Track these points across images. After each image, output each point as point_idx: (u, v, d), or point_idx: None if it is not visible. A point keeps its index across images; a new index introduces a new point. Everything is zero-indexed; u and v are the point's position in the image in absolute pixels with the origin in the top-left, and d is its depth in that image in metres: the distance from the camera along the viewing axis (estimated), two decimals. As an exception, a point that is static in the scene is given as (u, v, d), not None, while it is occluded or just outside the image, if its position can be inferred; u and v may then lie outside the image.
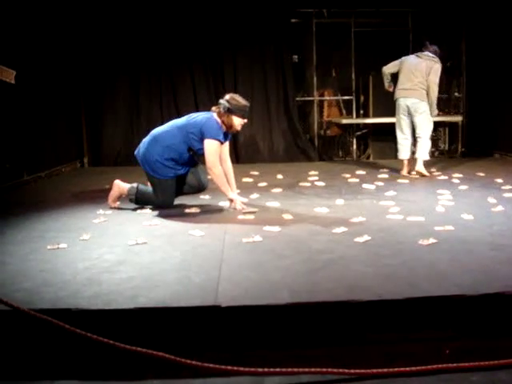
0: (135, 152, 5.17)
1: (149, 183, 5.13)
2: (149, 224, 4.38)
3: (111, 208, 5.06)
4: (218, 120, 4.88)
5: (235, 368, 2.38)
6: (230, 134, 5.09)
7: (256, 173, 7.06)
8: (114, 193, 5.14)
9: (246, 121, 5.04)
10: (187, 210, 4.90)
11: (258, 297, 2.75)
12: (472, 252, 3.47)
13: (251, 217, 4.62)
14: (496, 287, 2.81)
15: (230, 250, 3.61)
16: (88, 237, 3.98)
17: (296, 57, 9.45)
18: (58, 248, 3.71)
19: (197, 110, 8.47)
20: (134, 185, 5.11)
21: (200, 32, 8.73)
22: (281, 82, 9.06)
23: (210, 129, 4.82)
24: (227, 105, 4.84)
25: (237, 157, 8.69)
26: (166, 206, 5.00)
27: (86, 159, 8.84)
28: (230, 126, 4.91)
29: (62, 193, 6.04)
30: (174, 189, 5.05)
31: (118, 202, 5.13)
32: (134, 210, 4.96)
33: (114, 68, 8.63)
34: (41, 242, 3.88)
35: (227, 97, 4.93)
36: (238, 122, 4.92)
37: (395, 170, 7.30)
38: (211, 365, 2.39)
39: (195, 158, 5.05)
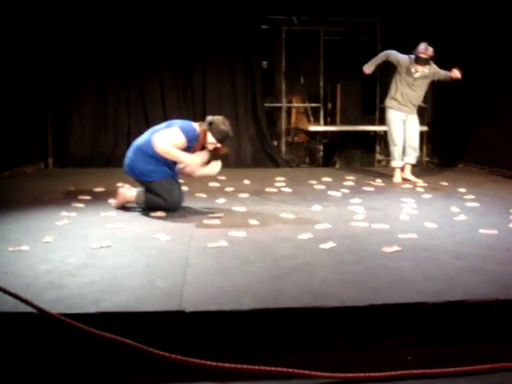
0: (124, 170, 5.12)
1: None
2: (113, 227, 4.33)
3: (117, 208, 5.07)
4: (198, 130, 4.88)
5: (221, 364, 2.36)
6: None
7: (223, 178, 7.04)
8: (119, 201, 5.11)
9: (218, 145, 4.98)
10: (153, 214, 4.86)
11: (222, 302, 2.74)
12: (435, 260, 3.52)
13: (217, 222, 4.60)
14: (458, 295, 2.86)
15: (196, 255, 3.59)
16: (51, 239, 3.91)
17: (265, 63, 9.47)
18: (20, 250, 3.64)
19: (165, 113, 8.50)
20: (141, 192, 5.03)
21: (170, 35, 8.69)
22: (249, 87, 9.07)
23: (185, 126, 4.86)
24: (210, 120, 4.88)
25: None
26: (176, 207, 4.96)
27: (51, 160, 8.70)
28: (202, 141, 4.90)
29: (25, 194, 5.93)
30: (176, 186, 5.01)
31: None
32: (99, 212, 4.90)
33: (81, 68, 8.52)
34: (2, 243, 3.80)
35: (218, 116, 4.97)
36: (210, 139, 4.90)
37: (361, 178, 7.37)
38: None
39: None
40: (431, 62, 6.94)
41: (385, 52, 7.25)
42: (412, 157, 7.14)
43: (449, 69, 6.92)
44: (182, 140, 4.81)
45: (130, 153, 5.04)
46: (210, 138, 4.90)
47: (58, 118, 8.64)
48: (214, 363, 2.41)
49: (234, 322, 2.67)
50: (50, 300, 2.73)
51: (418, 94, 7.05)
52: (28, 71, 8.00)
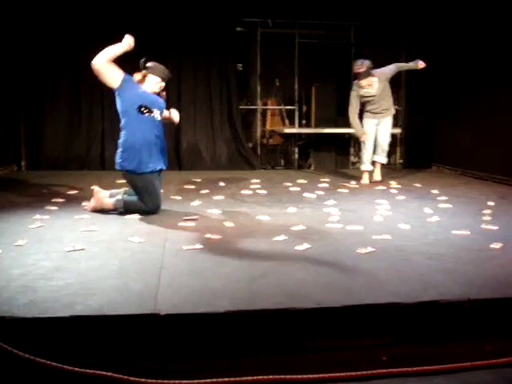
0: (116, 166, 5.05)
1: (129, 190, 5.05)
2: (87, 230, 4.30)
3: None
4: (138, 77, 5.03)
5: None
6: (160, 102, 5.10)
7: (198, 180, 7.04)
8: (96, 206, 5.04)
9: (163, 84, 5.12)
10: (127, 217, 4.83)
11: (197, 304, 2.74)
12: (408, 261, 3.56)
13: (192, 224, 4.59)
14: (431, 295, 2.89)
15: (170, 258, 3.58)
16: (23, 242, 3.87)
17: (240, 65, 9.47)
18: (-8, 254, 3.59)
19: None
20: (119, 198, 4.99)
21: (144, 38, 8.60)
22: (225, 90, 9.06)
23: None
24: (144, 65, 5.07)
25: (179, 164, 8.64)
26: (155, 210, 4.95)
27: (24, 162, 8.59)
28: (142, 81, 5.03)
29: (-3, 197, 5.86)
30: (159, 190, 5.00)
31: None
32: (73, 215, 4.85)
33: (54, 70, 8.42)
34: (-27, 247, 3.75)
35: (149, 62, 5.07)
36: (155, 80, 5.04)
37: (336, 180, 7.42)
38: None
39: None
40: (373, 72, 6.99)
41: (351, 101, 7.17)
42: (380, 156, 7.22)
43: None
44: (116, 72, 5.09)
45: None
46: (154, 79, 5.05)
47: (31, 120, 8.53)
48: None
49: (210, 324, 2.67)
50: (24, 304, 2.70)
51: (383, 100, 7.11)
52: (1, 74, 7.89)
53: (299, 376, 2.43)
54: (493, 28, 7.26)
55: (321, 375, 2.41)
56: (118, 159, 4.92)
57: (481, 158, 7.63)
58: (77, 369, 2.38)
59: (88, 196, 5.63)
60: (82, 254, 3.64)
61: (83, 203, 5.34)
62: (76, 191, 6.14)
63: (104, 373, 2.37)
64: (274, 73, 9.60)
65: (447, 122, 8.41)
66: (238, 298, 2.82)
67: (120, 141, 4.94)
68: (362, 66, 6.93)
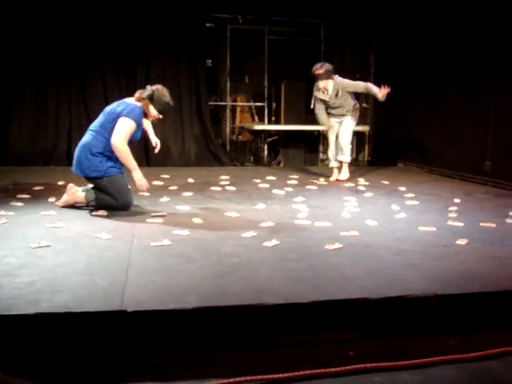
0: (73, 169, 4.98)
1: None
2: (53, 226, 4.23)
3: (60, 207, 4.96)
4: (139, 104, 4.86)
5: None
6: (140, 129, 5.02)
7: (167, 176, 6.99)
8: (68, 200, 4.99)
9: (160, 117, 5.05)
10: (94, 213, 4.77)
11: (165, 301, 2.72)
12: (375, 256, 3.59)
13: (160, 220, 4.56)
14: (397, 291, 2.92)
15: (138, 254, 3.55)
16: (-13, 239, 3.80)
17: (210, 61, 9.46)
18: (-46, 250, 3.52)
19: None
20: (91, 190, 4.93)
21: (113, 33, 8.55)
22: (194, 86, 9.03)
23: (129, 110, 4.79)
24: (151, 92, 4.87)
25: (147, 160, 8.57)
26: (127, 206, 4.89)
27: (-12, 158, 8.44)
28: (144, 114, 4.92)
29: (-39, 193, 5.74)
30: (126, 184, 4.94)
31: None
32: (39, 211, 4.78)
33: (20, 65, 8.29)
34: None
35: (157, 86, 4.97)
36: (153, 112, 4.94)
37: (304, 177, 7.45)
38: None
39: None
40: (333, 77, 7.00)
41: (314, 98, 7.22)
42: (341, 155, 7.13)
43: (381, 85, 6.89)
44: (133, 128, 4.80)
45: (77, 152, 4.94)
46: (153, 111, 4.94)
47: (-3, 115, 8.39)
48: None
49: (177, 320, 2.65)
50: (-13, 301, 2.65)
51: (339, 106, 7.08)
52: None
53: (268, 376, 2.43)
54: (460, 28, 7.36)
55: (289, 374, 2.41)
56: (84, 164, 4.86)
57: (447, 156, 7.74)
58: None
59: (54, 192, 5.57)
60: (47, 250, 3.59)
61: (49, 199, 5.27)
62: (42, 187, 6.05)
63: None
64: (244, 69, 9.63)
65: (414, 120, 8.51)
66: (206, 295, 2.81)
67: (93, 163, 4.83)
68: (320, 68, 6.95)
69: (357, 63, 9.91)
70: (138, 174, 4.84)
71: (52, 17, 8.28)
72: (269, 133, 9.67)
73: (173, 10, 8.74)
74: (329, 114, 7.16)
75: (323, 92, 7.01)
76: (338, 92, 6.95)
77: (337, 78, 7.03)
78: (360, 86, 7.08)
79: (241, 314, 2.71)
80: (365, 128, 9.65)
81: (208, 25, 9.21)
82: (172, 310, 2.64)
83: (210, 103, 9.36)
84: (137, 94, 4.96)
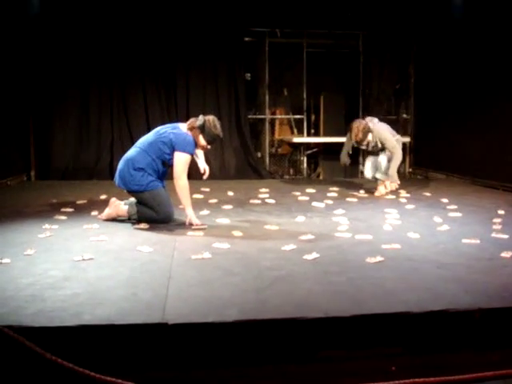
0: (115, 182, 5.09)
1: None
2: (96, 239, 4.30)
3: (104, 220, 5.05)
4: (190, 133, 4.92)
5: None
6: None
7: (207, 189, 7.03)
8: (111, 213, 5.09)
9: (209, 147, 5.14)
10: (136, 226, 4.83)
11: (205, 314, 2.73)
12: (418, 270, 3.53)
13: (200, 233, 4.59)
14: (441, 305, 2.86)
15: (179, 267, 3.57)
16: (32, 252, 3.87)
17: (249, 75, 9.50)
18: (1, 263, 3.59)
19: (148, 125, 8.47)
20: (133, 204, 5.02)
21: (153, 47, 8.70)
22: (233, 99, 9.09)
23: (182, 142, 4.87)
24: (203, 123, 4.92)
25: (188, 173, 8.61)
26: (168, 219, 4.95)
27: (33, 172, 8.63)
28: (195, 143, 4.98)
29: (7, 207, 5.87)
30: (168, 197, 5.01)
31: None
32: (82, 224, 4.86)
33: (64, 80, 8.49)
34: (-17, 257, 3.75)
35: (210, 117, 5.03)
36: (201, 142, 5.00)
37: (344, 189, 7.40)
38: None
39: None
40: (372, 128, 6.79)
41: (342, 153, 7.16)
42: (379, 173, 6.99)
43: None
44: (190, 160, 4.94)
45: (120, 165, 5.03)
46: (202, 141, 4.99)
47: (41, 130, 8.59)
48: None
49: (218, 333, 2.65)
50: (32, 313, 2.70)
51: (378, 148, 6.96)
52: (10, 84, 7.95)
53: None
54: (502, 35, 7.24)
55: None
56: (127, 178, 4.95)
57: (490, 167, 7.58)
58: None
59: (97, 205, 5.66)
60: (90, 263, 3.64)
61: (92, 213, 5.36)
62: (85, 201, 6.16)
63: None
64: (282, 82, 9.65)
65: (456, 131, 8.38)
66: (247, 308, 2.81)
67: (136, 177, 4.91)
68: (358, 132, 6.67)
69: (396, 74, 9.84)
70: (191, 212, 4.91)
71: (94, 32, 8.47)
72: (308, 145, 9.66)
73: (212, 24, 8.84)
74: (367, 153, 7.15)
75: (360, 145, 6.93)
76: (376, 140, 6.85)
77: (374, 126, 6.82)
78: (392, 150, 6.78)
79: (281, 328, 2.70)
80: (405, 139, 9.54)
81: (247, 39, 9.28)
82: (212, 323, 2.64)
83: (249, 116, 9.40)
84: (189, 122, 5.04)
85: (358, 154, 9.70)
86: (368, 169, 7.12)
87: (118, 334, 2.60)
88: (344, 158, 7.14)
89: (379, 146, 6.87)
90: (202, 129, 4.94)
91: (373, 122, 6.89)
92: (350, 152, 7.12)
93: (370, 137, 6.81)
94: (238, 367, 2.61)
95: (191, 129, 4.96)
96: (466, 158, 8.17)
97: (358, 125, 6.78)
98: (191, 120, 5.06)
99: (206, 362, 2.63)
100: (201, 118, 4.99)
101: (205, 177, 5.39)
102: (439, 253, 3.97)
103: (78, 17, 8.40)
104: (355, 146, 6.98)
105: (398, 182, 6.87)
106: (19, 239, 4.30)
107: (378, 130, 6.87)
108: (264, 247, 4.14)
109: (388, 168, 6.82)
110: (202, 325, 2.65)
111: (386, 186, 7.01)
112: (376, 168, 7.02)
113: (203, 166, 5.37)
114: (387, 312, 2.79)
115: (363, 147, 6.99)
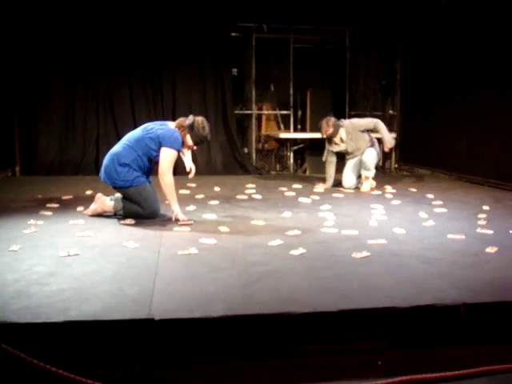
0: (101, 177, 5.05)
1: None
2: (82, 235, 4.28)
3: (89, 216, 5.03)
4: (178, 131, 4.92)
5: None
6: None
7: (193, 185, 7.02)
8: (97, 208, 5.07)
9: (195, 148, 5.16)
10: (122, 222, 4.82)
11: (192, 309, 2.72)
12: (403, 265, 3.55)
13: (187, 229, 4.58)
14: (427, 299, 2.88)
15: (165, 263, 3.57)
16: (17, 248, 3.84)
17: (235, 70, 9.49)
18: (-14, 259, 3.57)
19: (134, 120, 8.45)
20: (119, 200, 4.99)
21: (139, 42, 8.66)
22: (219, 95, 9.08)
23: (169, 138, 4.86)
24: (192, 122, 4.93)
25: (174, 169, 8.58)
26: (154, 215, 4.94)
27: (18, 168, 8.57)
28: (182, 142, 4.97)
29: (-9, 202, 5.83)
30: (154, 192, 5.00)
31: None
32: (67, 220, 4.83)
33: (49, 75, 8.44)
34: (-33, 252, 3.72)
35: (199, 118, 5.04)
36: (189, 142, 5.01)
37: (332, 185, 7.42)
38: None
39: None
40: (342, 124, 6.95)
41: (326, 158, 7.19)
42: (365, 170, 7.04)
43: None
44: (176, 156, 4.92)
45: (106, 161, 5.00)
46: (189, 141, 5.00)
47: (26, 125, 8.52)
48: None
49: (204, 329, 2.65)
50: (18, 309, 2.68)
51: (357, 151, 7.05)
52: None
53: None
54: (487, 35, 7.29)
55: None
56: (112, 173, 4.92)
57: (476, 163, 7.64)
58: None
59: (83, 201, 5.63)
60: (76, 259, 3.62)
61: (78, 208, 5.33)
62: (70, 196, 6.12)
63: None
64: (269, 78, 9.65)
65: (442, 127, 8.43)
66: (233, 303, 2.81)
67: (121, 173, 4.90)
68: (328, 127, 6.86)
69: (382, 70, 9.88)
70: (177, 208, 4.89)
71: (79, 27, 8.42)
72: (294, 141, 9.67)
73: (198, 19, 8.81)
74: (346, 159, 7.19)
75: (336, 144, 6.98)
76: (351, 136, 6.94)
77: (344, 122, 7.02)
78: (370, 123, 7.03)
79: (268, 323, 2.70)
80: (392, 135, 9.58)
81: (233, 34, 9.26)
82: (199, 319, 2.64)
83: (236, 112, 9.39)
84: (178, 121, 5.04)
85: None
86: (348, 173, 7.13)
87: (104, 330, 2.59)
88: (330, 176, 7.16)
89: (360, 144, 6.96)
90: (191, 128, 4.93)
91: (336, 120, 7.01)
92: (334, 158, 7.12)
93: (342, 132, 6.86)
94: (223, 363, 2.61)
95: (180, 127, 4.95)
96: (451, 153, 8.22)
97: (325, 120, 6.97)
98: (180, 119, 5.06)
99: (192, 357, 2.63)
100: (190, 117, 4.99)
101: (190, 175, 5.36)
102: (425, 248, 4.00)
103: (64, 11, 8.33)
104: (335, 146, 6.98)
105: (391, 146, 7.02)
106: (4, 235, 4.28)
107: (349, 121, 7.07)
108: (250, 243, 4.14)
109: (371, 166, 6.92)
110: (188, 320, 2.64)
111: (372, 183, 7.05)
112: (357, 171, 7.08)
113: (189, 164, 5.34)
114: (373, 307, 2.80)
115: (342, 148, 6.99)
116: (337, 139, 6.93)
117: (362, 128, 7.02)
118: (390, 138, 7.05)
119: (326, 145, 7.14)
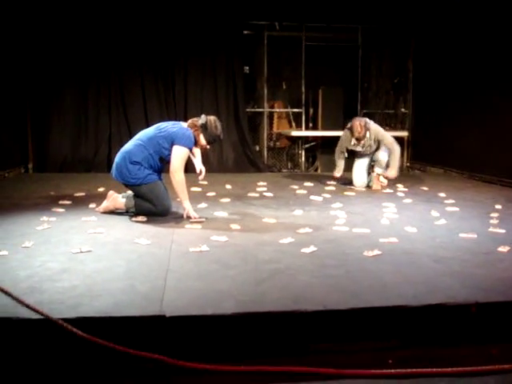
0: (112, 175, 5.07)
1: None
2: (94, 232, 4.30)
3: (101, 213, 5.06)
4: (191, 130, 4.93)
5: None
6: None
7: (205, 182, 7.02)
8: (109, 206, 5.10)
9: (208, 147, 5.18)
10: (134, 219, 4.83)
11: (203, 306, 2.73)
12: (415, 264, 3.54)
13: (198, 226, 4.59)
14: (438, 298, 2.88)
15: (177, 260, 3.58)
16: (30, 244, 3.88)
17: (247, 68, 9.49)
18: (-1, 255, 3.60)
19: (146, 118, 8.48)
20: (131, 197, 5.02)
21: (152, 40, 8.68)
22: (231, 92, 9.08)
23: (182, 136, 4.88)
24: (205, 122, 4.96)
25: (185, 167, 8.61)
26: (166, 212, 4.96)
27: (31, 165, 8.63)
28: (195, 141, 4.99)
29: (5, 199, 5.88)
30: (166, 190, 5.02)
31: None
32: (80, 217, 4.86)
33: (62, 73, 8.48)
34: (-19, 248, 3.75)
35: (212, 117, 5.07)
36: (202, 141, 5.03)
37: (342, 183, 7.40)
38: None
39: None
40: (369, 126, 6.87)
41: (340, 142, 7.16)
42: (378, 167, 7.05)
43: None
44: (187, 154, 4.96)
45: (117, 158, 5.02)
46: (202, 140, 5.02)
47: (39, 122, 8.58)
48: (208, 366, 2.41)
49: (215, 326, 2.66)
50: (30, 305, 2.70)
51: (372, 151, 7.05)
52: (8, 76, 7.93)
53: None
54: (500, 33, 7.24)
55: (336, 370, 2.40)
56: (124, 171, 4.94)
57: (488, 161, 7.60)
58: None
59: (95, 198, 5.66)
60: (88, 255, 3.65)
61: (90, 205, 5.36)
62: (83, 193, 6.16)
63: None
64: (281, 75, 9.64)
65: (455, 125, 8.38)
66: (244, 301, 2.82)
67: (133, 171, 4.91)
68: (361, 128, 6.75)
69: (394, 68, 9.84)
70: (188, 205, 4.91)
71: (92, 25, 8.45)
72: (306, 139, 9.66)
73: (211, 17, 8.82)
74: (358, 157, 7.17)
75: (356, 144, 6.94)
76: (374, 140, 6.89)
77: (371, 126, 6.90)
78: (391, 144, 6.84)
79: (278, 321, 2.71)
80: (404, 134, 9.56)
81: (245, 32, 9.26)
82: (210, 316, 2.65)
83: (248, 110, 9.39)
84: (190, 120, 5.06)
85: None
86: (359, 172, 7.11)
87: (115, 327, 2.61)
88: (340, 167, 7.15)
89: (373, 147, 6.91)
90: (204, 128, 4.95)
91: (367, 121, 6.94)
92: (346, 155, 7.11)
93: (367, 134, 6.84)
94: (234, 360, 2.61)
95: (193, 127, 4.97)
96: (463, 152, 8.17)
97: (359, 121, 6.86)
98: (193, 119, 5.08)
99: (203, 354, 2.64)
100: (203, 117, 5.01)
101: (200, 177, 5.32)
102: (436, 247, 3.98)
103: (77, 11, 8.37)
104: (353, 144, 6.95)
105: (392, 177, 6.90)
106: (17, 231, 4.31)
107: (376, 127, 6.96)
108: (262, 240, 4.14)
109: (388, 163, 6.86)
110: (199, 317, 2.65)
111: (383, 181, 7.02)
112: (367, 170, 7.07)
113: (199, 166, 5.31)
114: (385, 305, 2.80)
115: (359, 148, 6.97)
116: (362, 141, 6.90)
117: (381, 140, 6.89)
118: (396, 171, 6.84)
119: (344, 141, 7.06)
